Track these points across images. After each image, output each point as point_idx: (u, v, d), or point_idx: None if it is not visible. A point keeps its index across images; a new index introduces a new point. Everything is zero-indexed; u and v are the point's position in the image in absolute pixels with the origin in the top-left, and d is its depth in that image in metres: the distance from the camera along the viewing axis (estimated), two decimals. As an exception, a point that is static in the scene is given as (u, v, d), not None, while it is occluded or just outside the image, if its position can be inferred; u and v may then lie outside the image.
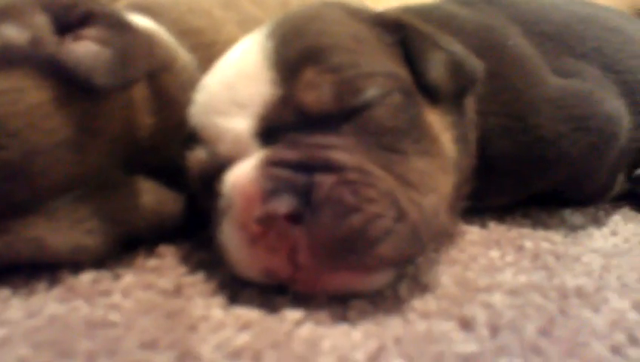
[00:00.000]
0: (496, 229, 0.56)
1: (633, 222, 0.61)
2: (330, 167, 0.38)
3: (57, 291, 0.41)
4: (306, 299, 0.39)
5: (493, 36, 0.57)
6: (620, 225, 0.60)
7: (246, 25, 0.54)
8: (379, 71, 0.41)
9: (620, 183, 0.66)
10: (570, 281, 0.45)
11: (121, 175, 0.45)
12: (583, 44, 0.62)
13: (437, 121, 0.45)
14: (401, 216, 0.38)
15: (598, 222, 0.60)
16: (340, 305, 0.39)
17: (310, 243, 0.37)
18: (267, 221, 0.37)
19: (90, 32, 0.41)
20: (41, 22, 0.40)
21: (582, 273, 0.47)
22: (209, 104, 0.42)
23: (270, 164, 0.38)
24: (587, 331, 0.38)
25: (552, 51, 0.60)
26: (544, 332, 0.37)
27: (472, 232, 0.55)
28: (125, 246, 0.46)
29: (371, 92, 0.40)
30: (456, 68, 0.46)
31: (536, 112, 0.55)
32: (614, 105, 0.57)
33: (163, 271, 0.44)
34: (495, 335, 0.37)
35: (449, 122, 0.46)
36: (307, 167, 0.37)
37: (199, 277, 0.44)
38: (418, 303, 0.40)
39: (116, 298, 0.40)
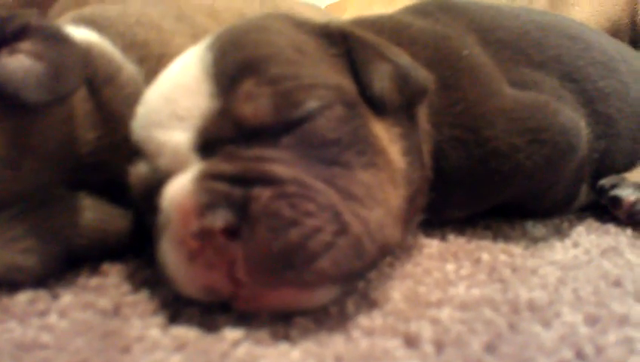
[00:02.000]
0: (455, 242, 0.56)
1: (596, 233, 0.60)
2: (267, 181, 0.37)
3: (-10, 313, 0.39)
4: (249, 317, 0.38)
5: (448, 46, 0.56)
6: (583, 237, 0.59)
7: (199, 38, 0.53)
8: (320, 83, 0.40)
9: (584, 194, 0.66)
10: (524, 295, 0.44)
11: (62, 191, 0.44)
12: (542, 52, 0.62)
13: (384, 133, 0.44)
14: (342, 229, 0.37)
15: (560, 234, 0.60)
16: (283, 323, 0.38)
17: (247, 258, 0.36)
18: (204, 236, 0.36)
19: (25, 45, 0.40)
20: (-27, 35, 0.39)
21: (537, 286, 0.46)
22: (149, 117, 0.41)
23: (207, 177, 0.37)
24: (534, 346, 0.37)
25: (509, 60, 0.60)
26: (490, 348, 0.36)
27: (431, 245, 0.54)
28: (69, 264, 0.45)
29: (311, 104, 0.39)
30: (403, 79, 0.45)
31: (490, 124, 0.54)
32: (571, 116, 0.57)
33: (104, 290, 0.43)
34: (440, 352, 0.36)
35: (397, 134, 0.46)
36: (244, 181, 0.36)
37: (141, 296, 0.42)
38: (364, 320, 0.39)
39: (52, 318, 0.39)
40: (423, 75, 0.47)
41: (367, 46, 0.45)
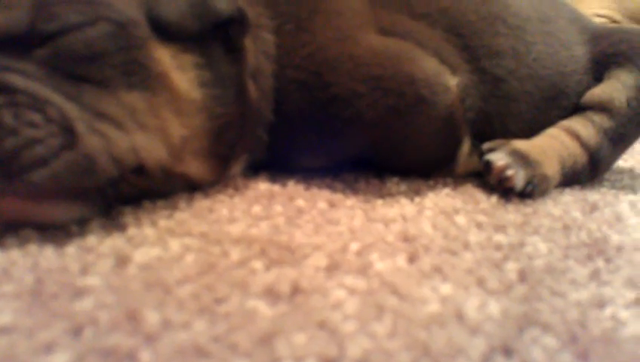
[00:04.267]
0: (291, 188, 0.54)
1: (453, 196, 0.56)
2: (0, 90, 0.37)
3: None
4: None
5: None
6: (435, 197, 0.56)
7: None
8: None
9: (467, 157, 0.62)
10: (298, 240, 0.43)
11: None
12: (427, 4, 0.58)
13: (168, 58, 0.43)
14: (69, 144, 0.37)
15: (417, 193, 0.57)
16: (12, 231, 0.39)
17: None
18: None
19: None
20: None
21: (322, 233, 0.44)
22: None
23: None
24: (231, 281, 0.36)
25: (387, 8, 0.57)
26: (190, 276, 0.36)
27: (258, 188, 0.53)
28: None
29: (68, 18, 0.39)
30: (199, 6, 0.45)
31: (333, 69, 0.52)
32: (428, 67, 0.54)
33: None
34: (136, 275, 0.36)
35: (190, 62, 0.45)
36: None
37: None
38: (93, 240, 0.39)
39: None
40: (226, 5, 0.46)
41: None
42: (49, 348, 0.28)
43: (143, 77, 0.42)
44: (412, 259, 0.41)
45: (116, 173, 0.40)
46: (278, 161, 0.56)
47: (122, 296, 0.33)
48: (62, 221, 0.40)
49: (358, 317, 0.32)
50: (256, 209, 0.48)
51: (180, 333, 0.30)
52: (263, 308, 0.33)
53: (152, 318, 0.31)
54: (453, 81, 0.56)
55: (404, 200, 0.54)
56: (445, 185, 0.60)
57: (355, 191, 0.56)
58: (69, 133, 0.38)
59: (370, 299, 0.35)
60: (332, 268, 0.39)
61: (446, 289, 0.37)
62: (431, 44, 0.57)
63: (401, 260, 0.41)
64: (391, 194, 0.56)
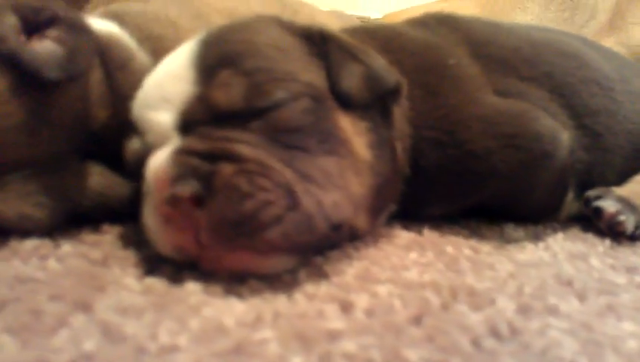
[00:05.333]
0: (428, 235, 0.59)
1: (572, 240, 0.62)
2: (231, 158, 0.43)
3: (2, 253, 0.47)
4: (212, 276, 0.44)
5: (435, 55, 0.61)
6: (557, 242, 0.61)
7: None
8: (290, 77, 0.46)
9: (573, 204, 0.68)
10: (469, 282, 0.48)
11: (74, 159, 0.51)
12: (533, 67, 0.65)
13: (349, 126, 0.49)
14: (293, 205, 0.42)
15: (536, 238, 0.62)
16: (238, 282, 0.44)
17: (209, 224, 0.41)
18: (174, 203, 0.42)
19: (52, 32, 0.48)
20: (10, 22, 0.47)
21: (487, 278, 0.50)
22: (143, 99, 0.48)
23: (181, 152, 0.43)
24: (455, 323, 0.40)
25: (498, 73, 0.63)
26: (415, 319, 0.41)
27: (403, 236, 0.58)
28: (75, 220, 0.52)
29: (279, 95, 0.45)
30: (372, 79, 0.51)
31: (466, 128, 0.58)
32: (549, 125, 0.60)
33: (100, 244, 0.50)
34: (367, 318, 0.40)
35: (365, 128, 0.51)
36: (212, 157, 0.43)
37: (129, 252, 0.49)
38: (310, 287, 0.44)
39: (50, 262, 0.46)
40: (393, 77, 0.52)
41: (342, 47, 0.50)
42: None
43: (333, 143, 0.47)
44: (581, 299, 0.47)
45: (327, 230, 0.45)
46: (408, 209, 0.62)
47: (373, 337, 0.38)
48: (280, 271, 0.45)
49: (584, 353, 0.37)
50: (413, 256, 0.53)
51: (445, 369, 0.35)
52: (495, 347, 0.38)
53: (412, 356, 0.36)
54: (565, 136, 0.62)
55: (530, 246, 0.60)
56: (554, 229, 0.66)
57: (482, 237, 0.61)
58: (291, 195, 0.43)
59: (578, 336, 0.40)
60: (525, 310, 0.43)
61: (628, 326, 0.42)
62: (541, 104, 0.63)
63: (574, 301, 0.46)
64: (515, 240, 0.61)
